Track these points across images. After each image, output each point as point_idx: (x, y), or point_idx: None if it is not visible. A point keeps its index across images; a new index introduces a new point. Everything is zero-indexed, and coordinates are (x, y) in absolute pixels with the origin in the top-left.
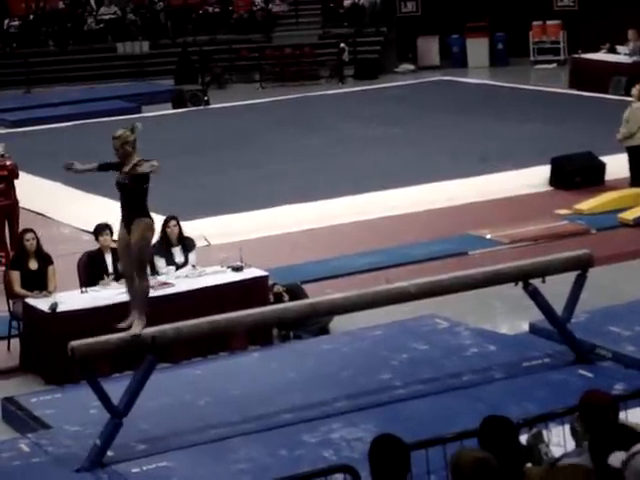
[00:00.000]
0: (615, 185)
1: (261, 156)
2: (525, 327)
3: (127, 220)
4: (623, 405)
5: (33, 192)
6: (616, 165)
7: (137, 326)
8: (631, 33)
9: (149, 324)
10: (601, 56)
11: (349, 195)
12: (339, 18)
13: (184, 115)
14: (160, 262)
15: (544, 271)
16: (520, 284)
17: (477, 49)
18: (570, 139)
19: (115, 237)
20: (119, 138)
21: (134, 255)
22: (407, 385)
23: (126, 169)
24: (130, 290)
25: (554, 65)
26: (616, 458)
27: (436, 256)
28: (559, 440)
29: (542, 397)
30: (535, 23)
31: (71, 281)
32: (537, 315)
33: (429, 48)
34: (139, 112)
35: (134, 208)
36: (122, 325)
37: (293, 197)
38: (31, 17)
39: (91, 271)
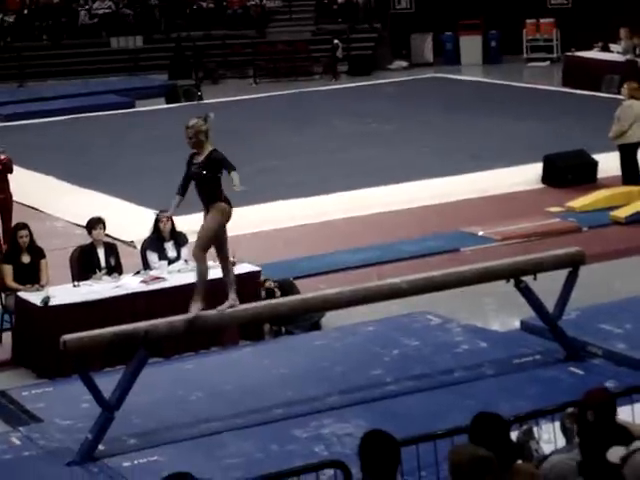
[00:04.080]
0: (607, 183)
1: (254, 152)
2: (516, 324)
3: (206, 207)
4: None
5: (26, 186)
6: (608, 163)
7: (193, 306)
8: (623, 31)
9: (141, 319)
10: (594, 54)
11: (342, 191)
12: (333, 14)
13: (177, 110)
14: (152, 257)
15: (535, 268)
16: (512, 281)
17: (470, 46)
18: (563, 137)
19: (108, 231)
20: (192, 127)
21: (201, 234)
22: (398, 381)
23: (200, 159)
24: (224, 271)
25: (547, 63)
26: (615, 453)
27: (428, 253)
28: (549, 437)
29: (533, 394)
30: (528, 21)
31: (63, 275)
32: (528, 312)
33: (422, 45)
34: (132, 107)
35: (210, 195)
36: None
37: (286, 193)
38: (25, 11)
39: (83, 265)
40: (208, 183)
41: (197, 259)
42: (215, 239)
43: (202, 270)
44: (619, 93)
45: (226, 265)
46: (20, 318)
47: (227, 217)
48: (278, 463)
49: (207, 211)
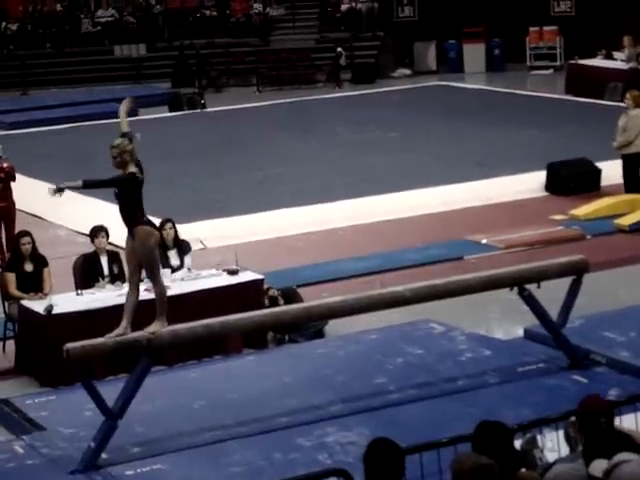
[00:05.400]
0: (610, 191)
1: (257, 160)
2: (520, 332)
3: (127, 227)
4: (617, 411)
5: (29, 194)
6: (612, 171)
7: (157, 325)
8: (627, 39)
9: (143, 326)
10: (597, 62)
11: (345, 199)
12: (336, 22)
13: (181, 118)
14: None
15: (539, 276)
16: (515, 289)
17: (474, 54)
18: (566, 145)
19: (111, 239)
20: (117, 147)
21: (143, 262)
22: (402, 389)
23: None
24: (129, 297)
25: (550, 71)
26: (597, 467)
27: (432, 261)
28: (553, 445)
29: (536, 402)
30: (532, 29)
31: (66, 283)
32: (532, 320)
33: (426, 53)
34: (136, 115)
35: (129, 216)
36: (110, 335)
37: (289, 201)
38: (28, 20)
39: (86, 273)
40: (125, 203)
41: (154, 283)
42: (155, 260)
43: (160, 291)
44: (622, 101)
45: (135, 290)
46: (23, 326)
47: (154, 237)
48: (281, 471)
49: (128, 230)
